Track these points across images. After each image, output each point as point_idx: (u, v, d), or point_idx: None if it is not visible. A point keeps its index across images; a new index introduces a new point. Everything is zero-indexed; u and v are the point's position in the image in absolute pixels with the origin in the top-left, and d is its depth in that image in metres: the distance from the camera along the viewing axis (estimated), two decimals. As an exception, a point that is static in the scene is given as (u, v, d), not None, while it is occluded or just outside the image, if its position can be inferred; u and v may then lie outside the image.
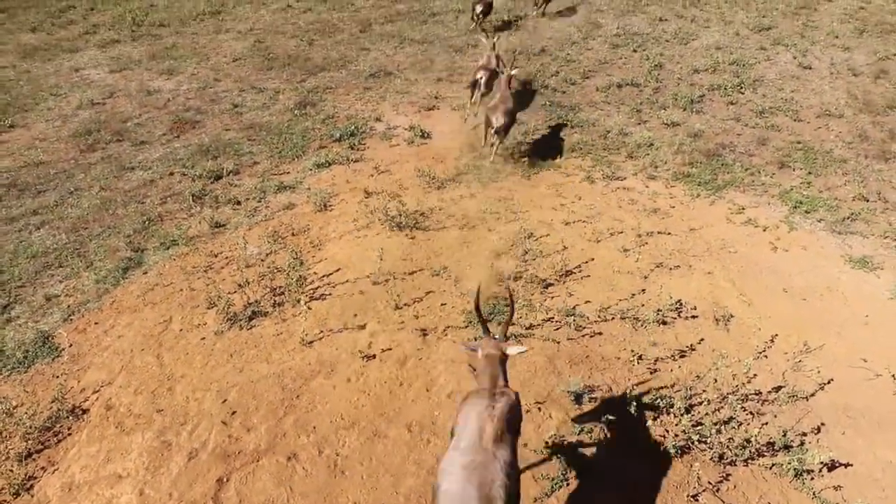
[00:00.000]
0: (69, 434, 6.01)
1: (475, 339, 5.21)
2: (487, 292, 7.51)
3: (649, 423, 5.99)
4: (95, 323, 7.28)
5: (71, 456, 5.80)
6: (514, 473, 4.15)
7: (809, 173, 9.91)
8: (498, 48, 11.76)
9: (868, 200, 9.29)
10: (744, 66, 13.30)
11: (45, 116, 11.70)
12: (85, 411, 6.22)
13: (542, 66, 13.50)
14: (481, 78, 11.08)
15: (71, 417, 6.15)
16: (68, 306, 7.49)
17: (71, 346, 6.98)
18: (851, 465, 5.69)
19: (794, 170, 10.04)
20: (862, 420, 6.12)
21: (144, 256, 8.29)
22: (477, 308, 5.12)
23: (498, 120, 9.62)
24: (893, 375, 6.45)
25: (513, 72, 10.32)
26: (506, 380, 4.82)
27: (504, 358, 4.87)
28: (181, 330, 7.16)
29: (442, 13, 16.75)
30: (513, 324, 5.38)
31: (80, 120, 11.52)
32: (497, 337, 5.00)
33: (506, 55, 12.04)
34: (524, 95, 12.19)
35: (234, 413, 6.14)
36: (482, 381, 4.77)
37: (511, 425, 4.41)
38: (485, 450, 4.14)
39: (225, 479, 5.53)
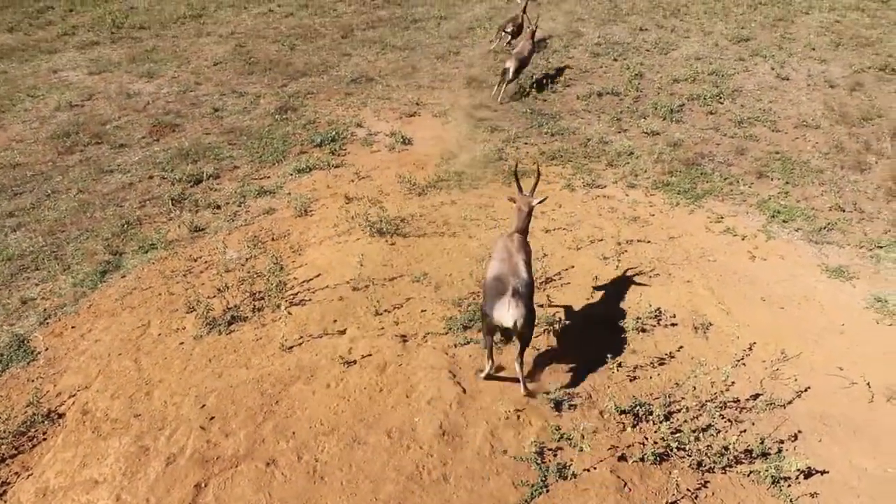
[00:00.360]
0: (44, 439, 5.95)
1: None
2: (466, 293, 7.54)
3: (628, 430, 6.01)
4: (72, 327, 7.21)
5: (46, 461, 5.73)
6: (528, 269, 6.25)
7: (787, 183, 10.02)
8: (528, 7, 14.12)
9: (844, 210, 9.40)
10: (723, 76, 13.43)
11: (21, 118, 11.59)
12: (61, 416, 6.15)
13: (523, 74, 13.54)
14: (508, 29, 13.95)
15: (46, 422, 6.08)
16: (44, 310, 7.42)
17: (47, 349, 6.90)
18: (828, 472, 5.74)
19: (772, 179, 10.15)
20: (838, 428, 6.18)
21: (123, 260, 8.23)
22: (515, 175, 6.91)
23: (510, 63, 12.20)
24: (869, 384, 6.52)
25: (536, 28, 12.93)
26: (528, 223, 6.71)
27: (531, 208, 6.68)
28: (159, 334, 7.10)
29: (424, 20, 16.78)
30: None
31: (58, 122, 11.42)
32: (527, 194, 6.75)
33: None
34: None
35: (212, 418, 6.09)
36: (514, 223, 6.70)
37: (525, 251, 6.43)
38: (510, 254, 6.26)
39: (203, 485, 5.48)
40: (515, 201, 6.74)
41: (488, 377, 6.43)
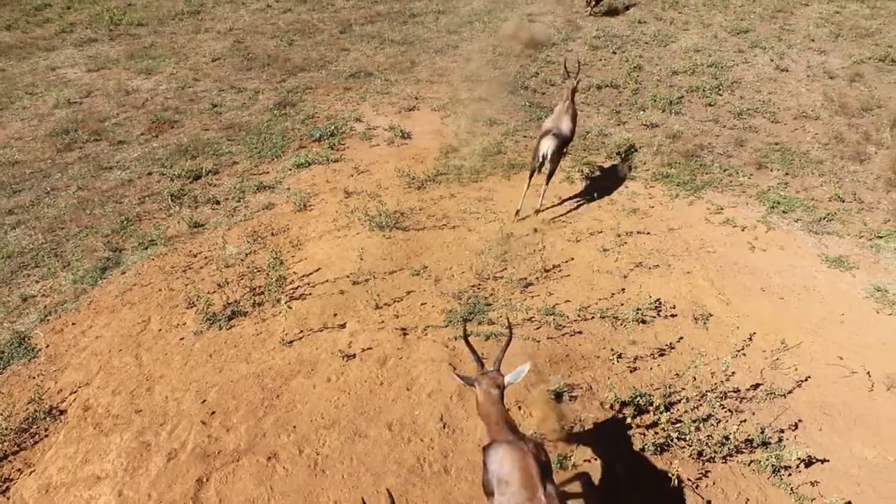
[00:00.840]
0: (46, 435, 5.95)
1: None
2: (466, 285, 7.54)
3: (629, 420, 6.01)
4: (73, 323, 7.22)
5: (48, 458, 5.74)
6: (570, 123, 8.84)
7: (787, 174, 10.02)
8: None
9: (843, 201, 9.40)
10: (722, 68, 13.42)
11: (20, 115, 11.57)
12: (62, 412, 6.16)
13: (522, 67, 13.55)
14: None
15: (48, 419, 6.09)
16: (45, 307, 7.42)
17: (48, 346, 6.91)
18: (828, 461, 5.76)
19: (771, 170, 10.15)
20: (838, 417, 6.19)
21: (122, 256, 8.23)
22: (564, 66, 9.57)
23: None
24: (869, 373, 6.53)
25: None
26: (573, 97, 9.01)
27: (573, 90, 8.99)
28: (160, 330, 7.11)
29: (422, 14, 16.75)
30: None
31: (57, 119, 11.41)
32: (571, 80, 9.10)
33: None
34: (504, 95, 12.29)
35: (213, 413, 6.10)
36: (563, 96, 9.06)
37: (571, 113, 8.89)
38: (560, 113, 8.86)
39: (205, 480, 5.49)
40: (568, 84, 9.07)
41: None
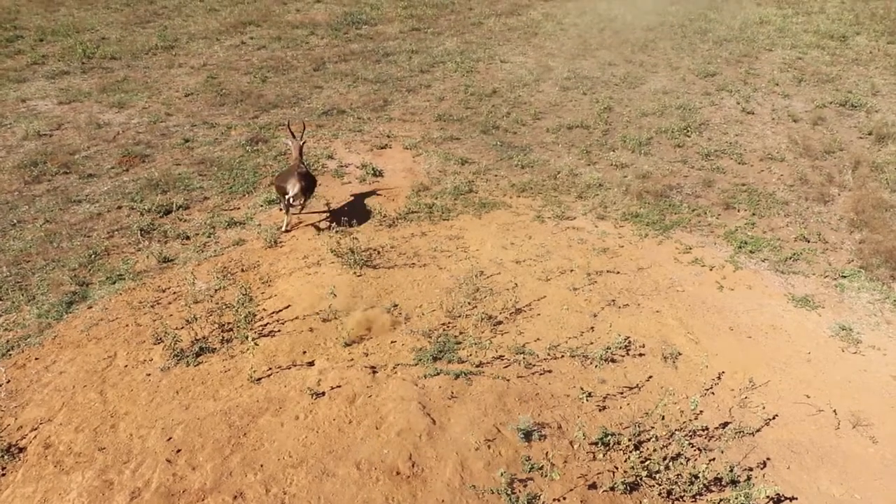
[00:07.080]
0: (3, 474, 5.79)
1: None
2: (436, 324, 7.52)
3: (598, 459, 6.00)
4: (36, 358, 7.08)
5: (4, 497, 5.58)
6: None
7: (753, 214, 10.18)
8: None
9: (809, 241, 9.57)
10: (690, 110, 13.67)
11: (-12, 148, 11.46)
12: (21, 450, 6.01)
13: (494, 106, 13.70)
14: None
15: (6, 457, 5.93)
16: (7, 341, 7.28)
17: (9, 381, 6.76)
18: (796, 499, 5.78)
19: (738, 211, 10.31)
20: (806, 455, 6.23)
21: (90, 291, 8.12)
22: None
23: None
24: (835, 411, 6.59)
25: None
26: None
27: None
28: (126, 366, 7.00)
29: (395, 53, 16.92)
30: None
31: (26, 151, 11.31)
32: None
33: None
34: (479, 136, 12.38)
35: (179, 451, 5.99)
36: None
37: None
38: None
39: (168, 520, 5.38)
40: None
41: None
